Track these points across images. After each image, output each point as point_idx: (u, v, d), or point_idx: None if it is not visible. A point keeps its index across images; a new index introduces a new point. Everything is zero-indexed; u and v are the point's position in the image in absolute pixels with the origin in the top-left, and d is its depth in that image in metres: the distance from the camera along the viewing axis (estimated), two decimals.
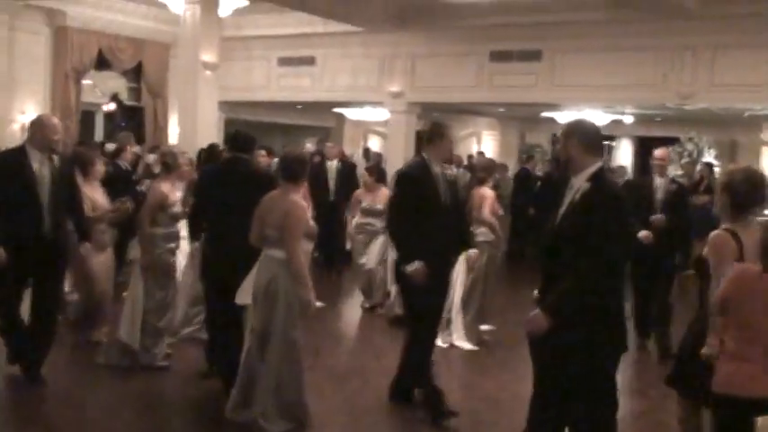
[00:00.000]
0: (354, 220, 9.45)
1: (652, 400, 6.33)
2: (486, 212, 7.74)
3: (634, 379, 7.08)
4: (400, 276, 5.65)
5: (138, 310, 6.30)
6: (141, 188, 8.93)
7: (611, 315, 3.91)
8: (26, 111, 13.65)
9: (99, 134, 15.89)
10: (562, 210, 3.92)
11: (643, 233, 7.15)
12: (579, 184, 3.86)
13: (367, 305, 9.33)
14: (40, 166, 5.61)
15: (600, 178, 3.86)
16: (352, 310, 9.52)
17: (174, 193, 6.44)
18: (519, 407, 4.47)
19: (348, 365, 6.87)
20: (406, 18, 13.93)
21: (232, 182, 5.67)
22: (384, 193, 9.05)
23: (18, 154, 5.72)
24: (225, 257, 5.56)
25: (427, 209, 5.49)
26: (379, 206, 8.95)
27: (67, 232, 5.94)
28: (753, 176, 4.21)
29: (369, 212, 9.25)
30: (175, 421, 5.57)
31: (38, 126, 5.74)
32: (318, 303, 5.22)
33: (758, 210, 4.31)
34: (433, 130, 5.76)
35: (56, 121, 5.91)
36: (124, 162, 9.70)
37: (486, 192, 7.93)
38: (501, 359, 7.37)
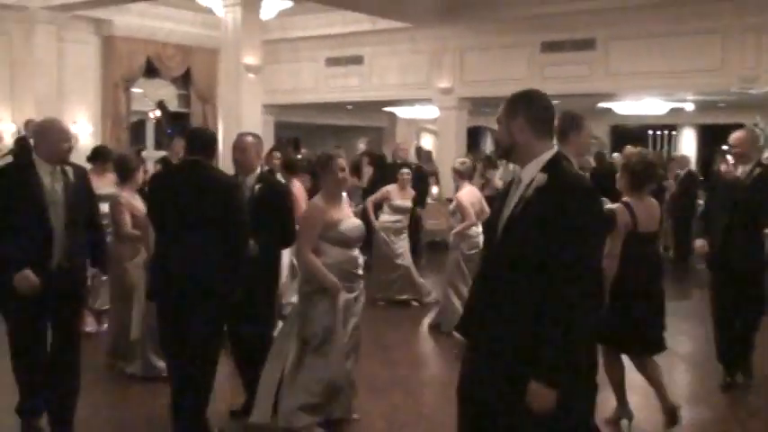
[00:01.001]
0: (382, 216, 9.49)
1: (715, 409, 5.90)
2: None
3: (698, 386, 6.64)
4: None
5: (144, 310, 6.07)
6: None
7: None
8: (77, 121, 13.74)
9: (150, 142, 15.95)
10: (507, 212, 2.98)
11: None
12: (530, 176, 2.93)
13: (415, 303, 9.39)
14: (52, 181, 4.64)
15: (558, 167, 2.92)
16: (390, 313, 9.12)
17: None
18: None
19: (387, 376, 6.56)
20: (455, 11, 13.57)
21: (185, 191, 4.66)
22: (411, 191, 9.64)
23: (24, 168, 4.69)
24: (175, 280, 4.61)
25: None
26: (408, 203, 9.51)
27: (85, 261, 4.94)
28: (646, 158, 5.12)
29: (399, 210, 9.39)
30: None
31: (42, 133, 4.75)
32: (346, 295, 4.95)
33: (651, 185, 5.20)
34: (568, 121, 4.33)
35: (64, 125, 4.93)
36: None
37: None
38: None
